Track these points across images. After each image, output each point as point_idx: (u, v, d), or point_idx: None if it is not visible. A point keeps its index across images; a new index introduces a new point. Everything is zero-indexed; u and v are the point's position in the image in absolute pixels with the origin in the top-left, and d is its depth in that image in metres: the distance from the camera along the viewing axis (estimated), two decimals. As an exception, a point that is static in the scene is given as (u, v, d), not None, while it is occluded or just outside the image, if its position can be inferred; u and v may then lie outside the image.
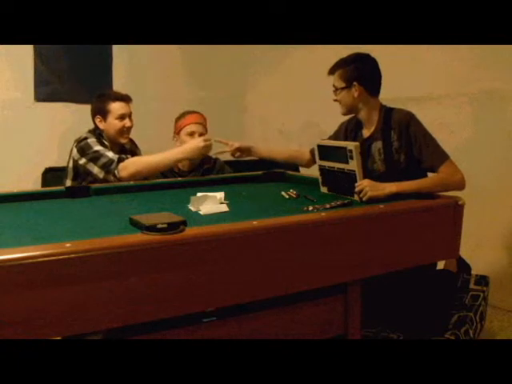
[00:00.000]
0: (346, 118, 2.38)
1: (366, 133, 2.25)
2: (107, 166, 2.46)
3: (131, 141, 2.89)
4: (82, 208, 2.03)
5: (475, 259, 2.45)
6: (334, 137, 2.43)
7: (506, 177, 2.88)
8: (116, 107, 2.67)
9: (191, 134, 2.80)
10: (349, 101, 2.20)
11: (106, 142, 2.63)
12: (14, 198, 2.11)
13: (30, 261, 1.23)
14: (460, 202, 1.91)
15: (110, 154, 2.50)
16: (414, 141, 2.07)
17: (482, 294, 2.33)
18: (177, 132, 2.87)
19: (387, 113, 2.17)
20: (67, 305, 1.27)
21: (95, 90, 3.45)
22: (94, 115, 2.70)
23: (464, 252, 2.11)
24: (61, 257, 1.26)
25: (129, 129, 2.72)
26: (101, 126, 2.68)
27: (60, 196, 2.19)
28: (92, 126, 2.73)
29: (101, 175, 2.47)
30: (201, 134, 2.81)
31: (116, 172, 2.44)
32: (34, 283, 1.23)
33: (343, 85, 2.19)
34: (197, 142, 2.52)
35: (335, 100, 2.25)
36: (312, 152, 2.49)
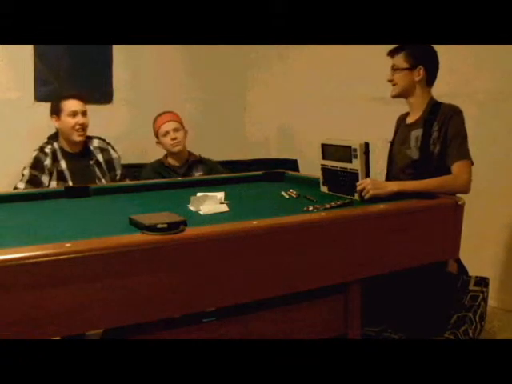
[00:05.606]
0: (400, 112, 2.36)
1: (409, 119, 2.26)
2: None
3: (106, 143, 2.85)
4: (82, 208, 2.03)
5: (475, 259, 2.44)
6: (395, 133, 2.42)
7: (506, 177, 2.88)
8: (68, 105, 2.70)
9: (165, 135, 2.83)
10: (406, 83, 2.19)
11: (46, 162, 2.63)
12: (13, 198, 2.11)
13: (30, 261, 1.23)
14: (460, 202, 1.91)
15: (21, 186, 2.55)
16: (449, 132, 2.08)
17: (481, 295, 2.32)
18: (156, 137, 2.91)
19: (436, 105, 2.18)
20: (67, 305, 1.27)
21: (95, 90, 3.47)
22: (50, 116, 2.74)
23: (464, 252, 2.10)
24: (61, 257, 1.26)
25: (83, 126, 2.70)
26: (56, 125, 2.72)
27: (59, 196, 2.19)
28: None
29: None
30: (175, 129, 2.84)
31: None
32: (34, 283, 1.23)
33: (407, 65, 2.17)
34: None
35: (389, 80, 2.23)
36: None
